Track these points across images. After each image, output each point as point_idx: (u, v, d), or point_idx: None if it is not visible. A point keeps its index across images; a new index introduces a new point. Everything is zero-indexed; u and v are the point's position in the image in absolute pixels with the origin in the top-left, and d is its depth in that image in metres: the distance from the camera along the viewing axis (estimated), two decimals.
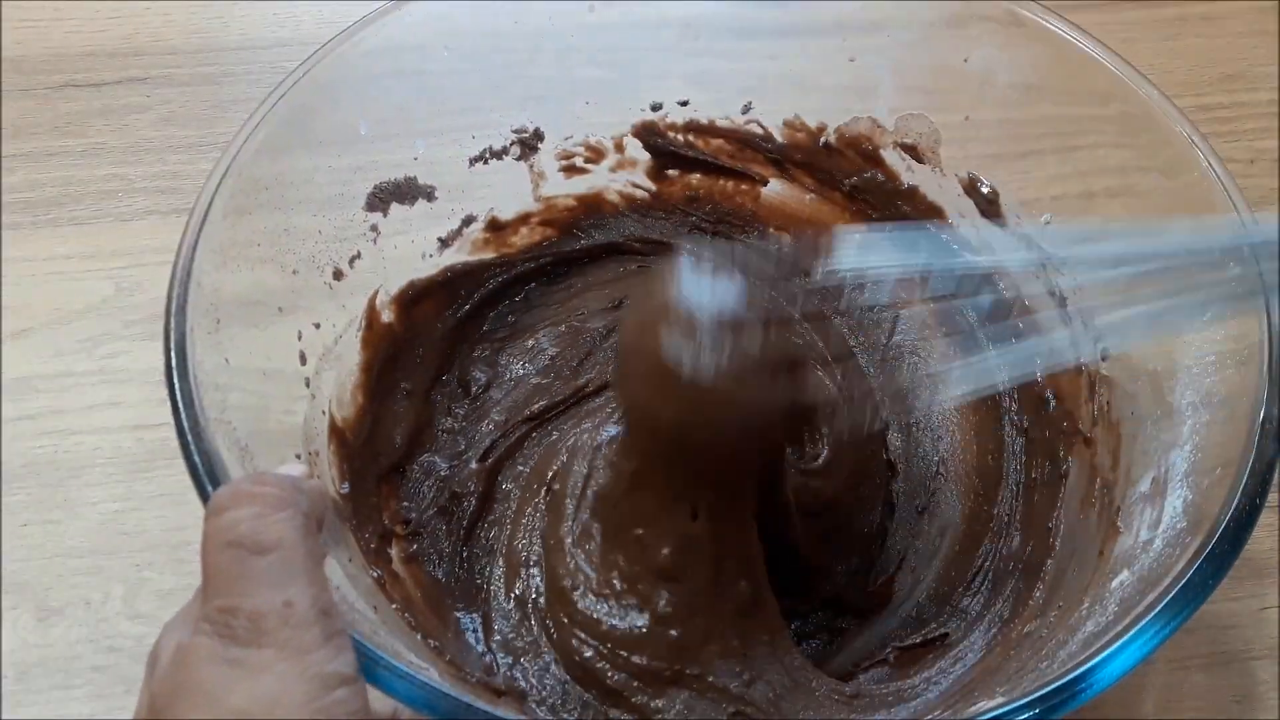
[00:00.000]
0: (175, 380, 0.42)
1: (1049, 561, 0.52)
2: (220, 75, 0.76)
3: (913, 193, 0.62)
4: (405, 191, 0.58)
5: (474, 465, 0.57)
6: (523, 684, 0.49)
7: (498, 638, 0.51)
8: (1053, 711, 0.36)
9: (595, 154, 0.64)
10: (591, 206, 0.65)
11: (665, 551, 0.48)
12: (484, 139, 0.61)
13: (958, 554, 0.56)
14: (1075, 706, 0.36)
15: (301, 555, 0.34)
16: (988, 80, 0.57)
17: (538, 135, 0.62)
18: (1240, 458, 0.41)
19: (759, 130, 0.63)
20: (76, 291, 0.65)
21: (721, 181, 0.66)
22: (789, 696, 0.47)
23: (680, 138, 0.64)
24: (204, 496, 0.39)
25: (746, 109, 0.62)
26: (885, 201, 0.62)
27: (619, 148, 0.64)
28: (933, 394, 0.38)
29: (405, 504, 0.56)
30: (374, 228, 0.57)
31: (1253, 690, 0.53)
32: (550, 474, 0.56)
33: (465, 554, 0.55)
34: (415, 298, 0.60)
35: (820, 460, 0.55)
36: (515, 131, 0.62)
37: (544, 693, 0.49)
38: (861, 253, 0.42)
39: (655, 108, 0.62)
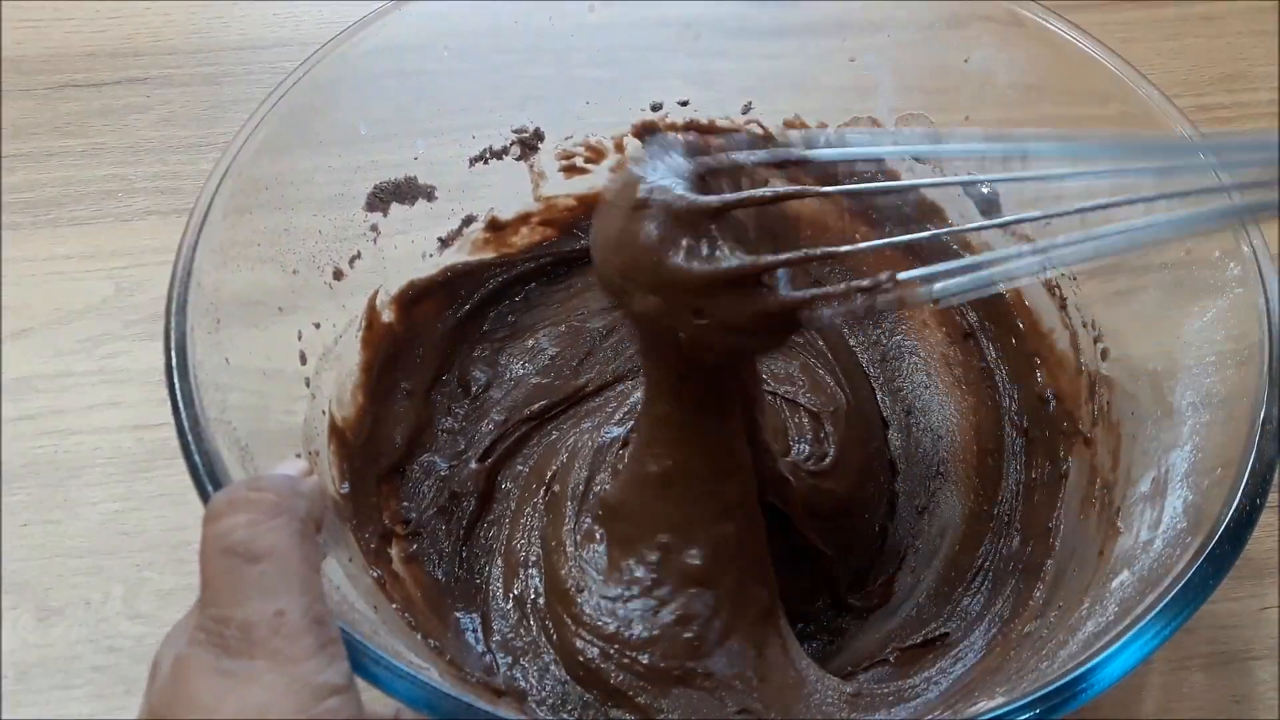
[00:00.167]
0: (175, 380, 0.42)
1: (1049, 561, 0.52)
2: (220, 75, 0.76)
3: (913, 192, 0.62)
4: (405, 191, 0.58)
5: (474, 465, 0.57)
6: (523, 684, 0.49)
7: (497, 638, 0.51)
8: (1053, 711, 0.36)
9: (595, 154, 0.64)
10: (592, 206, 0.65)
11: (694, 556, 0.48)
12: (484, 139, 0.61)
13: (958, 554, 0.56)
14: (1075, 707, 0.36)
15: (295, 563, 0.34)
16: (988, 80, 0.57)
17: (538, 135, 0.62)
18: (1240, 458, 0.41)
19: (759, 130, 0.63)
20: (76, 291, 0.65)
21: None
22: (794, 696, 0.47)
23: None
24: (204, 496, 0.39)
25: (746, 109, 0.62)
26: (885, 201, 0.62)
27: (619, 148, 0.64)
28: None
29: (405, 504, 0.56)
30: (374, 228, 0.57)
31: (1253, 690, 0.53)
32: (550, 474, 0.56)
33: (465, 554, 0.55)
34: (415, 298, 0.60)
35: (828, 460, 0.55)
36: (515, 131, 0.62)
37: (544, 693, 0.49)
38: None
39: (655, 108, 0.62)
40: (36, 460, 0.59)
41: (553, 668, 0.49)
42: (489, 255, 0.63)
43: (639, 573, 0.49)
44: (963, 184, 0.55)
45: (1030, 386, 0.58)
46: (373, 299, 0.57)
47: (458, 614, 0.52)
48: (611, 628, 0.48)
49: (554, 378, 0.61)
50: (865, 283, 0.39)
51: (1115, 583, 0.43)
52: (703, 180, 0.41)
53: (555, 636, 0.50)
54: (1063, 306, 0.56)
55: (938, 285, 0.37)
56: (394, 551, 0.53)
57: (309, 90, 0.52)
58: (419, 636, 0.48)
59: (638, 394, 0.58)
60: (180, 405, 0.41)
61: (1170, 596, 0.38)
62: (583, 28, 0.59)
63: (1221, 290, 0.47)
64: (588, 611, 0.49)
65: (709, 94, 0.62)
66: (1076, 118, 0.56)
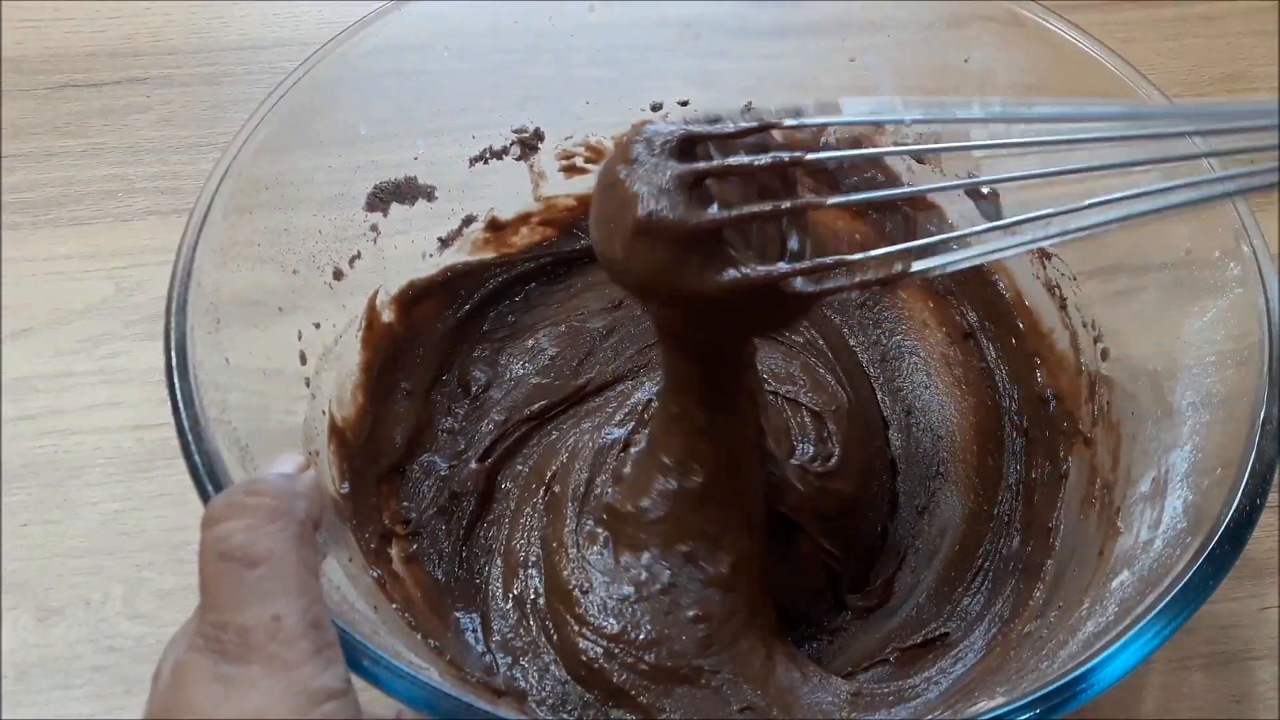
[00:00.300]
0: (175, 380, 0.42)
1: (1049, 561, 0.52)
2: (220, 75, 0.76)
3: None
4: (405, 191, 0.58)
5: (473, 465, 0.57)
6: (522, 684, 0.49)
7: (497, 638, 0.51)
8: (1053, 711, 0.36)
9: (595, 154, 0.64)
10: None
11: (721, 564, 0.49)
12: (484, 139, 0.61)
13: (958, 554, 0.56)
14: (1075, 707, 0.36)
15: (293, 567, 0.34)
16: (988, 80, 0.57)
17: (538, 135, 0.62)
18: (1240, 458, 0.41)
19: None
20: (76, 291, 0.65)
21: None
22: (795, 696, 0.47)
23: None
24: (204, 497, 0.39)
25: (746, 109, 0.62)
26: (885, 201, 0.62)
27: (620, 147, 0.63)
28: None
29: (405, 504, 0.56)
30: (374, 228, 0.57)
31: (1253, 690, 0.53)
32: (550, 474, 0.56)
33: (464, 554, 0.55)
34: (415, 298, 0.60)
35: (834, 460, 0.55)
36: (515, 131, 0.62)
37: (544, 693, 0.49)
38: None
39: (655, 108, 0.62)
40: (36, 460, 0.59)
41: (553, 668, 0.50)
42: (489, 255, 0.63)
43: (652, 576, 0.49)
44: (964, 186, 0.55)
45: (1030, 386, 0.58)
46: (373, 299, 0.57)
47: (458, 614, 0.52)
48: (616, 628, 0.48)
49: (554, 378, 0.61)
50: (871, 276, 0.39)
51: (1115, 583, 0.43)
52: (693, 153, 0.40)
53: (556, 636, 0.50)
54: (1063, 306, 0.56)
55: (932, 260, 0.38)
56: (394, 551, 0.53)
57: (309, 90, 0.52)
58: (419, 636, 0.48)
59: (638, 394, 0.58)
60: (180, 405, 0.41)
61: (1170, 596, 0.38)
62: (583, 28, 0.59)
63: (1221, 290, 0.47)
64: (591, 612, 0.49)
65: (709, 94, 0.62)
66: None
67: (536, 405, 0.60)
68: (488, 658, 0.50)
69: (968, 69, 0.57)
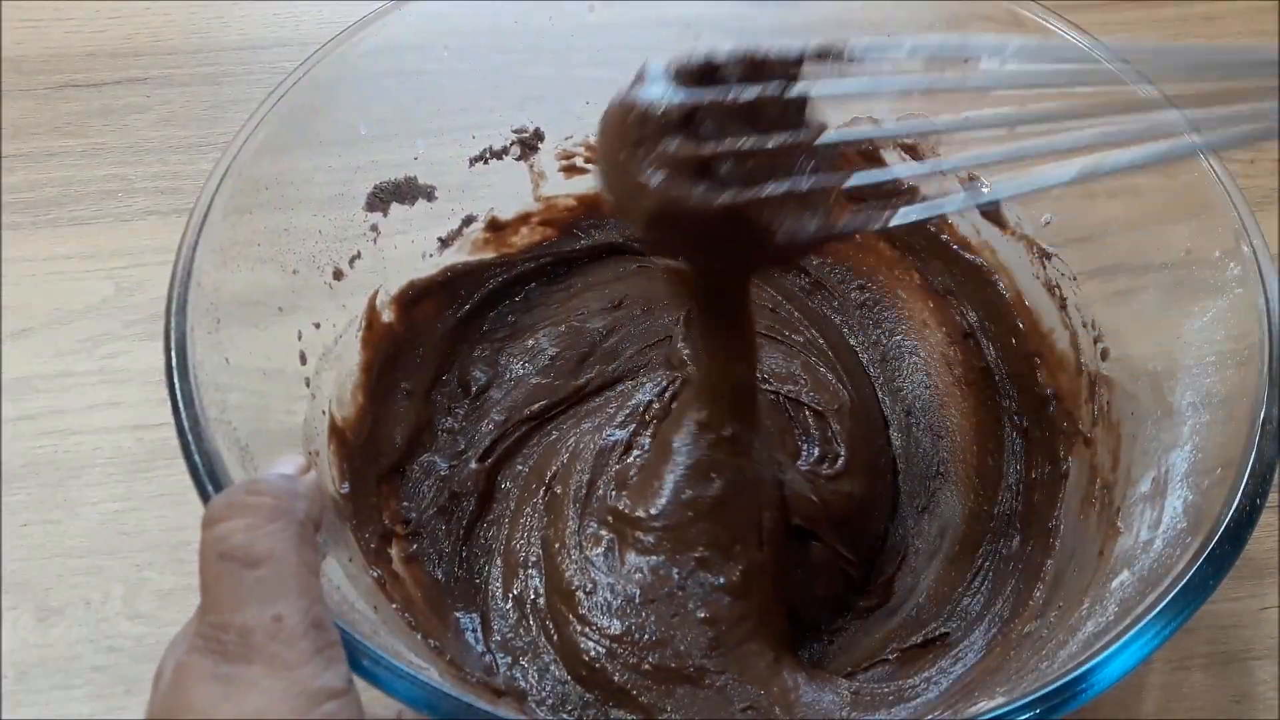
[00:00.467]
0: (175, 380, 0.42)
1: (1049, 561, 0.52)
2: (220, 75, 0.76)
3: (913, 193, 0.61)
4: (405, 191, 0.58)
5: (474, 465, 0.57)
6: (522, 684, 0.49)
7: (497, 638, 0.51)
8: (1053, 711, 0.36)
9: (595, 154, 0.64)
10: (591, 206, 0.65)
11: (733, 572, 0.49)
12: (484, 139, 0.61)
13: (958, 554, 0.56)
14: (1075, 707, 0.36)
15: (293, 567, 0.34)
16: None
17: (538, 135, 0.62)
18: (1240, 458, 0.41)
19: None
20: (76, 291, 0.65)
21: None
22: (796, 696, 0.47)
23: None
24: (204, 497, 0.39)
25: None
26: (885, 201, 0.62)
27: None
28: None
29: (405, 504, 0.56)
30: (374, 228, 0.57)
31: (1253, 690, 0.53)
32: (550, 475, 0.56)
33: (464, 554, 0.55)
34: (415, 298, 0.60)
35: (841, 461, 0.55)
36: (515, 131, 0.62)
37: (544, 693, 0.49)
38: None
39: None
40: (36, 460, 0.59)
41: (553, 668, 0.50)
42: (489, 255, 0.63)
43: (660, 579, 0.49)
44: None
45: (1030, 386, 0.58)
46: (373, 299, 0.57)
47: (458, 614, 0.52)
48: (620, 628, 0.48)
49: (554, 378, 0.61)
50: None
51: (1115, 583, 0.43)
52: (705, 77, 0.39)
53: (557, 637, 0.50)
54: (1063, 306, 0.56)
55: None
56: (394, 551, 0.53)
57: (309, 90, 0.52)
58: (419, 636, 0.48)
59: (639, 395, 0.58)
60: (180, 405, 0.41)
61: (1170, 596, 0.38)
62: (583, 28, 0.59)
63: (1221, 290, 0.47)
64: (595, 612, 0.49)
65: None
66: None
67: (536, 405, 0.60)
68: (488, 658, 0.50)
69: (967, 69, 0.57)
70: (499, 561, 0.54)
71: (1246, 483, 0.40)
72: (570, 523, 0.53)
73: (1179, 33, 0.80)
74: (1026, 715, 0.36)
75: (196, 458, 0.40)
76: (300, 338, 0.52)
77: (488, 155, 0.61)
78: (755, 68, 0.39)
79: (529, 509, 0.55)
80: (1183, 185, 0.49)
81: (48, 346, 0.63)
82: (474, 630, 0.51)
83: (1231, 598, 0.55)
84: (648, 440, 0.55)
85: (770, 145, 0.38)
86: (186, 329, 0.43)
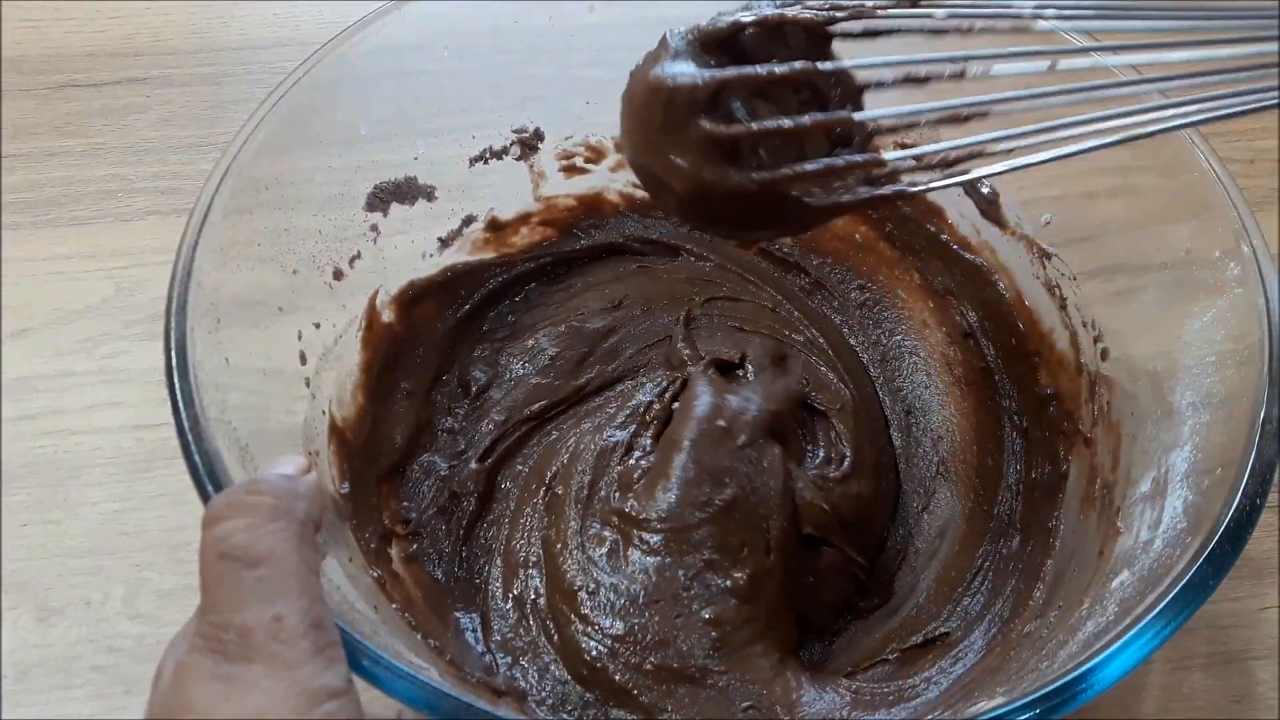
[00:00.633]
0: (175, 380, 0.42)
1: (1049, 561, 0.52)
2: (220, 75, 0.76)
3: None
4: (405, 191, 0.58)
5: (474, 465, 0.57)
6: (522, 684, 0.49)
7: (496, 638, 0.51)
8: (1053, 711, 0.36)
9: (595, 154, 0.64)
10: (591, 206, 0.65)
11: (739, 578, 0.49)
12: (484, 139, 0.61)
13: (958, 554, 0.56)
14: (1075, 707, 0.36)
15: (294, 567, 0.34)
16: (988, 80, 0.57)
17: (538, 135, 0.62)
18: (1240, 458, 0.41)
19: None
20: (76, 291, 0.65)
21: None
22: (797, 697, 0.47)
23: None
24: (204, 496, 0.39)
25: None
26: (885, 202, 0.62)
27: (619, 148, 0.64)
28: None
29: (405, 504, 0.56)
30: (374, 228, 0.57)
31: (1253, 690, 0.53)
32: (550, 475, 0.56)
33: (465, 554, 0.55)
34: (415, 298, 0.60)
35: (847, 462, 0.55)
36: (515, 131, 0.62)
37: (544, 693, 0.49)
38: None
39: None
40: (36, 460, 0.59)
41: (553, 668, 0.50)
42: (489, 255, 0.63)
43: (665, 580, 0.49)
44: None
45: (1030, 386, 0.58)
46: (373, 299, 0.57)
47: (458, 614, 0.52)
48: (623, 628, 0.48)
49: (554, 378, 0.61)
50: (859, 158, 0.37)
51: (1115, 583, 0.43)
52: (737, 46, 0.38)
53: (557, 637, 0.50)
54: (1063, 306, 0.56)
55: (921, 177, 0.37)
56: (394, 551, 0.53)
57: (309, 90, 0.52)
58: (419, 636, 0.48)
59: (639, 395, 0.58)
60: (180, 405, 0.41)
61: (1170, 596, 0.38)
62: (583, 28, 0.59)
63: (1221, 290, 0.47)
64: (597, 612, 0.49)
65: None
66: None
67: (536, 405, 0.60)
68: (488, 658, 0.50)
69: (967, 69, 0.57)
70: (499, 561, 0.54)
71: (1246, 483, 0.40)
72: (572, 523, 0.53)
73: None
74: (1026, 715, 0.36)
75: (196, 458, 0.40)
76: (300, 338, 0.52)
77: (488, 155, 0.61)
78: (780, 31, 0.38)
79: (529, 509, 0.55)
80: (1183, 185, 0.49)
81: (48, 346, 0.63)
82: (474, 630, 0.51)
83: (1231, 598, 0.55)
84: (649, 441, 0.55)
85: (802, 123, 0.37)
86: (186, 329, 0.43)
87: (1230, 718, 0.53)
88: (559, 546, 0.52)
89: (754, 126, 0.36)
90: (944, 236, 0.62)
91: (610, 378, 0.61)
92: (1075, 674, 0.37)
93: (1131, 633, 0.37)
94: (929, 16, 0.38)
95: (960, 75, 0.37)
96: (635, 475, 0.53)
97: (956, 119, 0.38)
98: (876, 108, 0.38)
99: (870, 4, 0.38)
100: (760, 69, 0.37)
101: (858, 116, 0.38)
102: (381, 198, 0.57)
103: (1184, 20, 0.34)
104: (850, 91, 0.39)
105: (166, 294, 0.44)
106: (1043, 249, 0.57)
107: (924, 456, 0.60)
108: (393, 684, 0.37)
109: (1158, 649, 0.37)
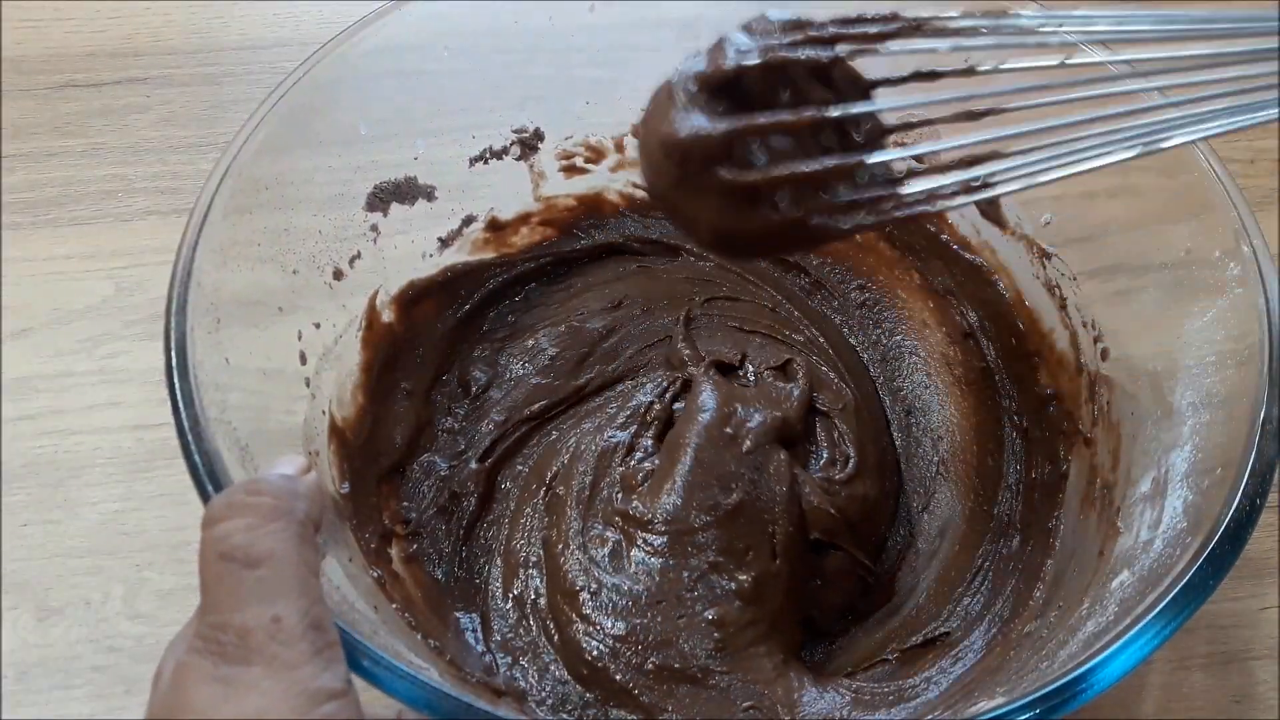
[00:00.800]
0: (175, 380, 0.42)
1: (1049, 561, 0.52)
2: (220, 75, 0.76)
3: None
4: (405, 191, 0.58)
5: (474, 465, 0.57)
6: (522, 684, 0.49)
7: (496, 638, 0.51)
8: (1053, 711, 0.36)
9: (595, 154, 0.64)
10: (591, 206, 0.65)
11: (744, 580, 0.49)
12: (484, 139, 0.61)
13: (958, 554, 0.56)
14: (1075, 706, 0.36)
15: (293, 567, 0.34)
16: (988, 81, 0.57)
17: (538, 135, 0.62)
18: (1240, 458, 0.41)
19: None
20: (76, 291, 0.65)
21: None
22: (798, 698, 0.47)
23: None
24: (204, 496, 0.39)
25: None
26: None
27: (619, 148, 0.64)
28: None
29: (405, 504, 0.56)
30: (374, 228, 0.57)
31: (1253, 690, 0.53)
32: (551, 475, 0.56)
33: (465, 554, 0.55)
34: (415, 298, 0.60)
35: (851, 463, 0.55)
36: (515, 131, 0.62)
37: (544, 693, 0.49)
38: None
39: None
40: (36, 460, 0.59)
41: (553, 668, 0.50)
42: (489, 255, 0.63)
43: (669, 582, 0.49)
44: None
45: (1030, 386, 0.58)
46: (373, 299, 0.57)
47: (458, 614, 0.52)
48: (624, 628, 0.48)
49: (554, 378, 0.61)
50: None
51: (1115, 583, 0.43)
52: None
53: (558, 637, 0.50)
54: (1063, 306, 0.56)
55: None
56: (394, 551, 0.53)
57: (309, 90, 0.52)
58: (419, 636, 0.48)
59: (639, 396, 0.58)
60: (180, 405, 0.41)
61: (1170, 596, 0.38)
62: (583, 28, 0.59)
63: (1221, 290, 0.47)
64: (599, 612, 0.49)
65: None
66: None
67: (536, 405, 0.60)
68: (488, 658, 0.50)
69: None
70: (499, 561, 0.54)
71: (1246, 483, 0.40)
72: (573, 523, 0.53)
73: None
74: (1026, 715, 0.36)
75: (196, 458, 0.40)
76: (300, 338, 0.52)
77: (488, 155, 0.61)
78: (786, 66, 0.37)
79: (529, 509, 0.55)
80: (1183, 185, 0.49)
81: (48, 346, 0.63)
82: (474, 630, 0.51)
83: (1231, 598, 0.55)
84: (650, 442, 0.55)
85: (822, 167, 0.37)
86: (186, 329, 0.43)
87: (1230, 718, 0.53)
88: (560, 547, 0.52)
89: (772, 173, 0.36)
90: (944, 236, 0.62)
91: (610, 378, 0.61)
92: (1075, 674, 0.37)
93: (1131, 633, 0.37)
94: (934, 47, 0.37)
95: (969, 72, 0.37)
96: (639, 477, 0.53)
97: (971, 115, 0.37)
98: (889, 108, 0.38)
99: (874, 30, 0.38)
100: (769, 119, 0.37)
101: (869, 160, 0.37)
102: (381, 198, 0.57)
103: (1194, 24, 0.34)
104: (861, 89, 0.39)
105: (166, 294, 0.44)
106: (1043, 249, 0.57)
107: (924, 456, 0.60)
108: (393, 684, 0.37)
109: (1158, 649, 0.37)
